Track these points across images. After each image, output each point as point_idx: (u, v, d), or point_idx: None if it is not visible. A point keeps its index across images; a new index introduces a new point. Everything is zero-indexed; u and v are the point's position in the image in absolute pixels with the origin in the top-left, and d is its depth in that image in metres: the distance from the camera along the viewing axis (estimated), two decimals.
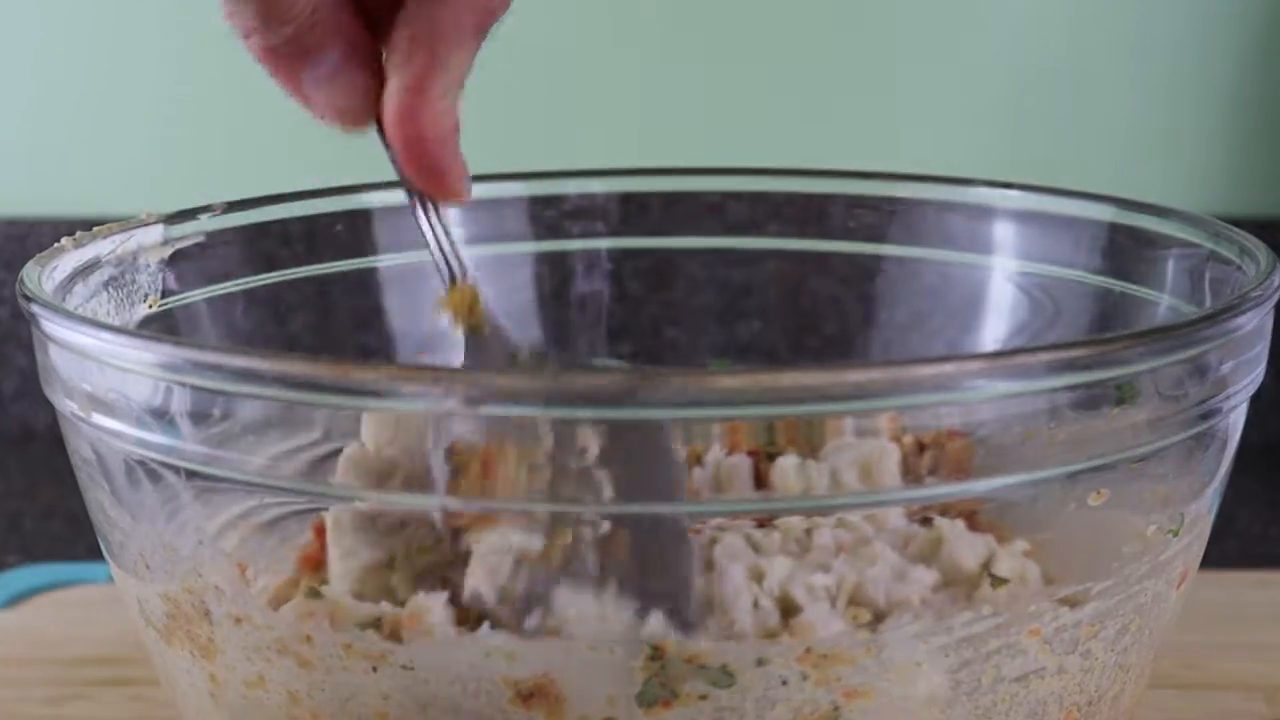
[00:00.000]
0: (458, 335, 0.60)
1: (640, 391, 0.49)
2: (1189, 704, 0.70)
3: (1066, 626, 0.55)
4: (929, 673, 0.53)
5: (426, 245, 0.58)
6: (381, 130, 0.55)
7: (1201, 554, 0.60)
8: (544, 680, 0.52)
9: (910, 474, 0.57)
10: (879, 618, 0.55)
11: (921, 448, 0.59)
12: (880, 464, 0.56)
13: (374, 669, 0.53)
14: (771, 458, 0.59)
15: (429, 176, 0.55)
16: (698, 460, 0.61)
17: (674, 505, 0.58)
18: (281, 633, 0.54)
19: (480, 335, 0.60)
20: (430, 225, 0.57)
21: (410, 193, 0.57)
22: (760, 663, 0.52)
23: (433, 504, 0.55)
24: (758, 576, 0.56)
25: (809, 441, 0.55)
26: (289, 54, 0.52)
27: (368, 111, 0.54)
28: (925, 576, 0.56)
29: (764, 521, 0.59)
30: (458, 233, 0.74)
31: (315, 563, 0.59)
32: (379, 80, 0.54)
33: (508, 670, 0.52)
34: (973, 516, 0.60)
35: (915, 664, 0.53)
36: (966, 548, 0.57)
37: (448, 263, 0.59)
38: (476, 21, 0.54)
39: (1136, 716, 0.61)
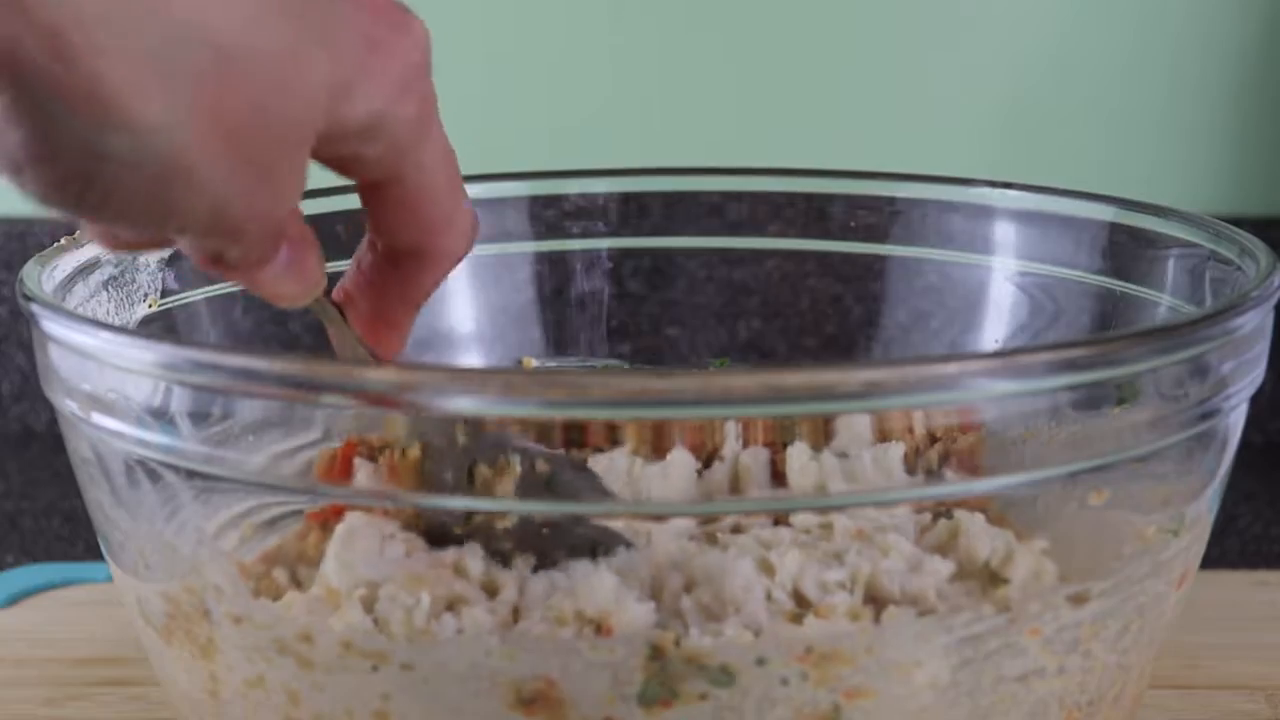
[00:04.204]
0: None
1: (656, 391, 0.50)
2: (1189, 704, 0.70)
3: (1067, 626, 0.55)
4: (929, 672, 0.53)
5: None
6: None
7: (1202, 554, 0.60)
8: (544, 681, 0.52)
9: (916, 468, 0.57)
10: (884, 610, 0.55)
11: (933, 439, 0.59)
12: (884, 460, 0.56)
13: (374, 669, 0.53)
14: (786, 445, 0.59)
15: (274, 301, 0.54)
16: (715, 454, 0.61)
17: (691, 507, 0.58)
18: (281, 632, 0.54)
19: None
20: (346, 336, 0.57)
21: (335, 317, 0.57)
22: (760, 662, 0.52)
23: (435, 503, 0.55)
24: (768, 570, 0.56)
25: (817, 436, 0.55)
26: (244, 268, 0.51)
27: (317, 289, 0.54)
28: (941, 568, 0.56)
29: (780, 518, 0.59)
30: None
31: (325, 518, 0.59)
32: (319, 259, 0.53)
33: (508, 670, 0.52)
34: (990, 511, 0.60)
35: (915, 663, 0.53)
36: (985, 541, 0.57)
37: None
38: (446, 272, 0.56)
39: (1137, 716, 0.61)
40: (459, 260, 0.55)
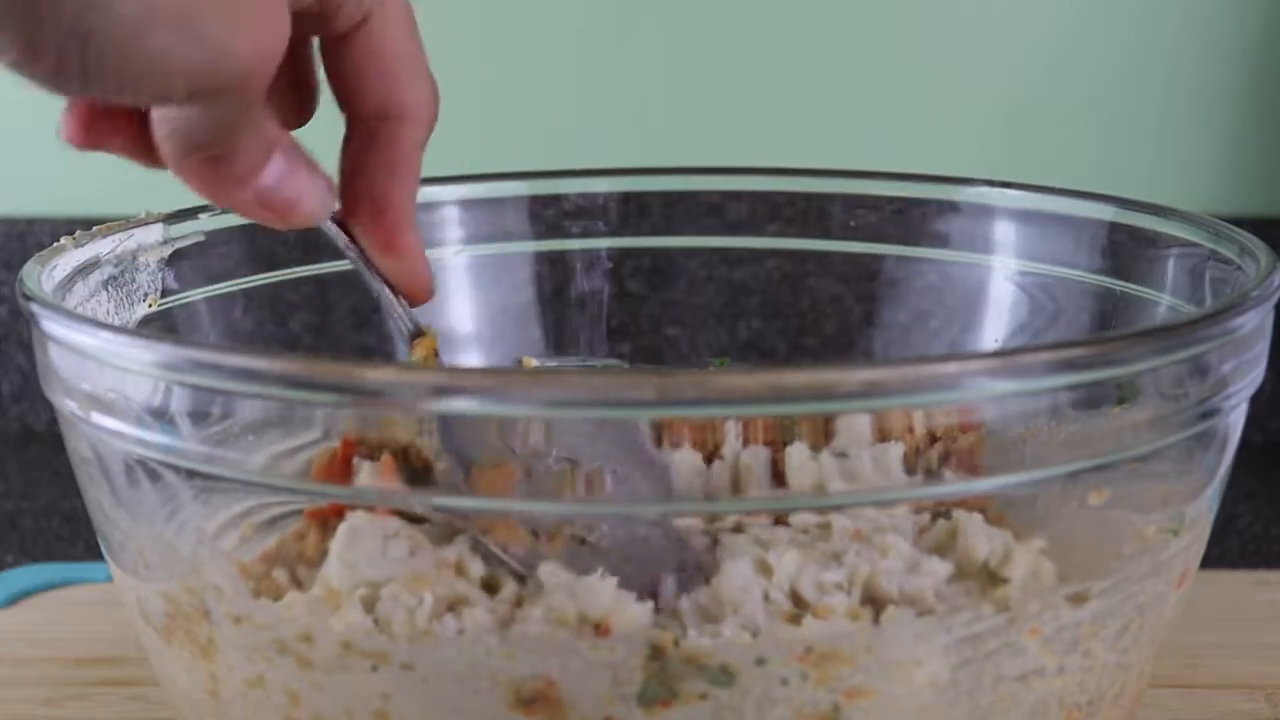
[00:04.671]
0: None
1: (659, 390, 0.50)
2: (1189, 703, 0.70)
3: (1067, 626, 0.55)
4: (929, 672, 0.53)
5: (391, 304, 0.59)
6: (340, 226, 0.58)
7: (1202, 553, 0.60)
8: (544, 681, 0.52)
9: (916, 468, 0.57)
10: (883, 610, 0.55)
11: (933, 439, 0.59)
12: (884, 460, 0.56)
13: (374, 669, 0.53)
14: (786, 445, 0.59)
15: (418, 292, 0.58)
16: (715, 453, 0.61)
17: (690, 505, 0.58)
18: (281, 632, 0.54)
19: None
20: (389, 293, 0.59)
21: (371, 275, 0.59)
22: (760, 662, 0.52)
23: (434, 502, 0.55)
24: (766, 571, 0.56)
25: (817, 436, 0.55)
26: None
27: (320, 205, 0.55)
28: (939, 568, 0.56)
29: (780, 518, 0.59)
30: (458, 232, 0.75)
31: (324, 517, 0.59)
32: (315, 171, 0.55)
33: (508, 670, 0.52)
34: (988, 510, 0.60)
35: (915, 663, 0.53)
36: (983, 541, 0.57)
37: (410, 320, 0.60)
38: (423, 138, 0.57)
39: (1137, 716, 0.61)
40: (430, 125, 0.56)
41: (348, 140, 0.57)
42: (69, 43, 0.45)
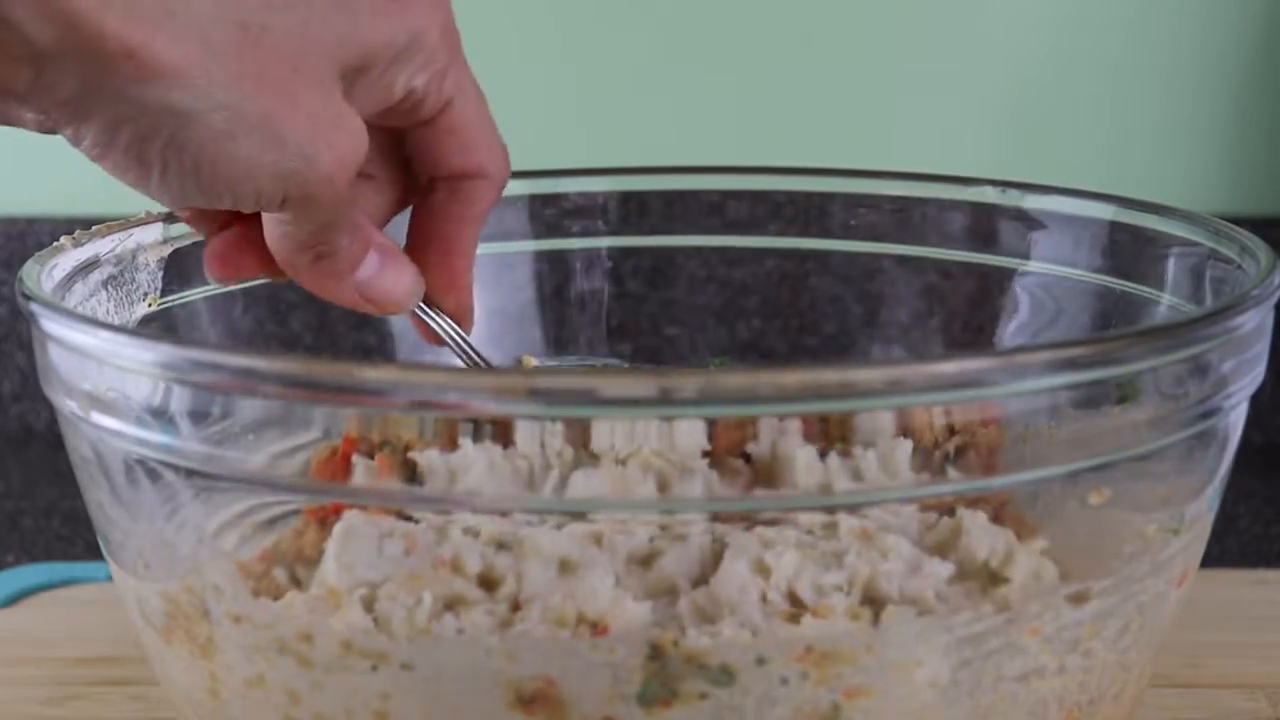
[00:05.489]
0: None
1: (667, 390, 0.50)
2: (1189, 703, 0.70)
3: (1067, 626, 0.55)
4: (929, 671, 0.53)
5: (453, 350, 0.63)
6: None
7: (1202, 553, 0.60)
8: (544, 681, 0.52)
9: (923, 468, 0.57)
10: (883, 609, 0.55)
11: (951, 431, 0.59)
12: (890, 458, 0.56)
13: (374, 669, 0.53)
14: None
15: (465, 315, 0.63)
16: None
17: (692, 506, 0.58)
18: (281, 631, 0.54)
19: None
20: (453, 337, 0.63)
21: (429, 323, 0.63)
22: (760, 662, 0.52)
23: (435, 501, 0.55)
24: (764, 572, 0.55)
25: (819, 437, 0.55)
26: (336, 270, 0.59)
27: (417, 291, 0.61)
28: (940, 569, 0.56)
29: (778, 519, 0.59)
30: None
31: (324, 515, 0.59)
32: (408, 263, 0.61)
33: (508, 670, 0.52)
34: (999, 509, 0.60)
35: (916, 663, 0.53)
36: (985, 540, 0.57)
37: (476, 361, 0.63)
38: (497, 195, 0.62)
39: (1137, 715, 0.61)
40: (505, 184, 0.62)
41: (427, 193, 0.61)
42: (170, 155, 0.51)
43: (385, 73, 0.55)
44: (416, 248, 0.61)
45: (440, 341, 0.63)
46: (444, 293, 0.62)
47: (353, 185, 0.56)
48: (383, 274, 0.59)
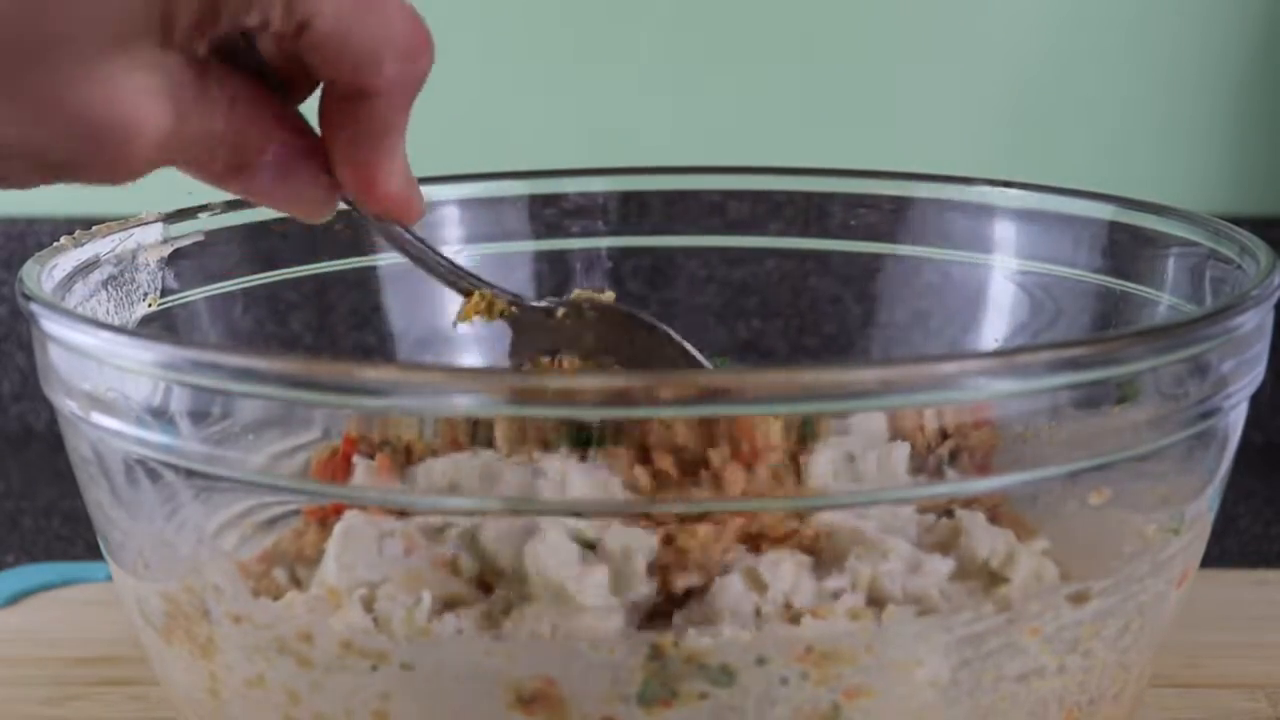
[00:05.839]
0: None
1: (666, 390, 0.50)
2: (1189, 703, 0.70)
3: (1067, 626, 0.55)
4: (929, 672, 0.53)
5: (430, 269, 0.61)
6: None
7: (1202, 553, 0.60)
8: (544, 681, 0.52)
9: (920, 468, 0.57)
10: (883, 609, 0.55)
11: (944, 435, 0.59)
12: (888, 460, 0.56)
13: (374, 669, 0.53)
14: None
15: (402, 216, 0.57)
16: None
17: (693, 506, 0.58)
18: (281, 631, 0.54)
19: (514, 318, 0.63)
20: (424, 251, 0.60)
21: (390, 240, 0.60)
22: (760, 662, 0.52)
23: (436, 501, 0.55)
24: (759, 587, 0.55)
25: (807, 438, 0.55)
26: (233, 172, 0.54)
27: (328, 202, 0.56)
28: (941, 566, 0.56)
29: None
30: (458, 231, 0.75)
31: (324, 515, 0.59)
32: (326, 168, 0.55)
33: (508, 670, 0.52)
34: (995, 510, 0.60)
35: (916, 663, 0.53)
36: (985, 540, 0.57)
37: (459, 277, 0.61)
38: (406, 100, 0.54)
39: (1137, 715, 0.61)
40: (420, 81, 0.53)
41: (327, 104, 0.55)
42: None
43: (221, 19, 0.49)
44: (339, 160, 0.55)
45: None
46: (366, 195, 0.55)
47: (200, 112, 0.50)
48: (276, 185, 0.54)
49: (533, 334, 0.64)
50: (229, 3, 0.49)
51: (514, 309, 0.63)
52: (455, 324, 0.64)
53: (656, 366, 0.63)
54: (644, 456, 0.54)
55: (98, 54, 0.48)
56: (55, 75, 0.48)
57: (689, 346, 0.63)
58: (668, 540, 0.55)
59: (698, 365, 0.63)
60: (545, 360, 0.65)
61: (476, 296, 0.63)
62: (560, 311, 0.64)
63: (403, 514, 0.58)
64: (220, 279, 0.69)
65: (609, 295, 0.68)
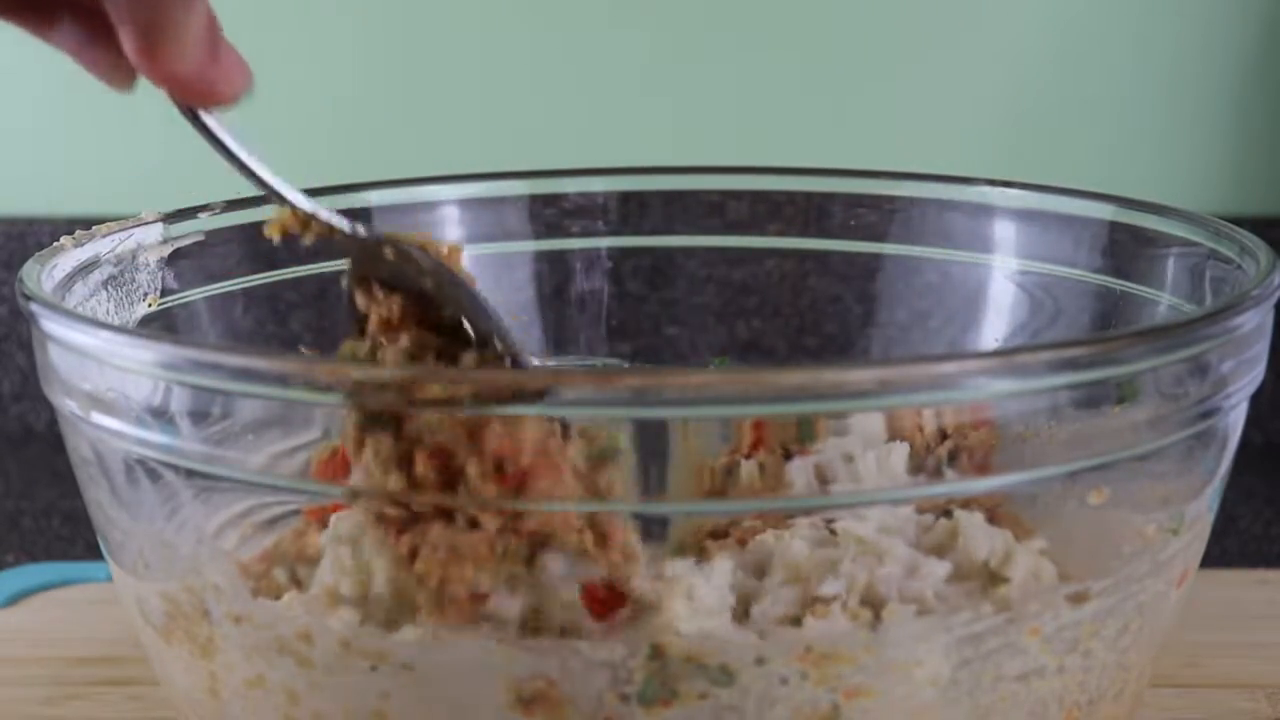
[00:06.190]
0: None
1: (666, 390, 0.50)
2: (1189, 703, 0.70)
3: (1067, 625, 0.55)
4: (929, 672, 0.53)
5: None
6: None
7: (1202, 553, 0.60)
8: (544, 681, 0.52)
9: (919, 469, 0.57)
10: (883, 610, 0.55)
11: (935, 440, 0.59)
12: (887, 461, 0.56)
13: (373, 668, 0.53)
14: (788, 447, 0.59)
15: (205, 98, 0.53)
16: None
17: (693, 507, 0.58)
18: (281, 631, 0.54)
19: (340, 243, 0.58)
20: (224, 139, 0.55)
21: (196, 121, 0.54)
22: (760, 662, 0.52)
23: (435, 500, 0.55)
24: (745, 601, 0.55)
25: (803, 439, 0.55)
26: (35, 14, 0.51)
27: (130, 74, 0.52)
28: (937, 569, 0.56)
29: (781, 521, 0.59)
30: (459, 231, 0.75)
31: (323, 515, 0.59)
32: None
33: (508, 670, 0.52)
34: (994, 510, 0.60)
35: (915, 663, 0.53)
36: (983, 541, 0.57)
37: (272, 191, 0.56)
38: None
39: (1137, 715, 0.61)
40: None
41: None
42: None
43: None
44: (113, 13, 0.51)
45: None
46: (150, 63, 0.51)
47: None
48: (86, 49, 0.51)
49: (370, 263, 0.58)
50: None
51: (332, 233, 0.58)
52: (267, 234, 0.58)
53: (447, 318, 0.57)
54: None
55: None
56: None
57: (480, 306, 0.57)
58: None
59: (482, 317, 0.57)
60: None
61: (289, 213, 0.58)
62: (380, 245, 0.58)
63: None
64: (220, 279, 0.69)
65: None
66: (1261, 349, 0.57)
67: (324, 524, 0.59)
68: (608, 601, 0.53)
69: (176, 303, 0.68)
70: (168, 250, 0.67)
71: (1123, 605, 0.56)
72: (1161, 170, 1.06)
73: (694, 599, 0.54)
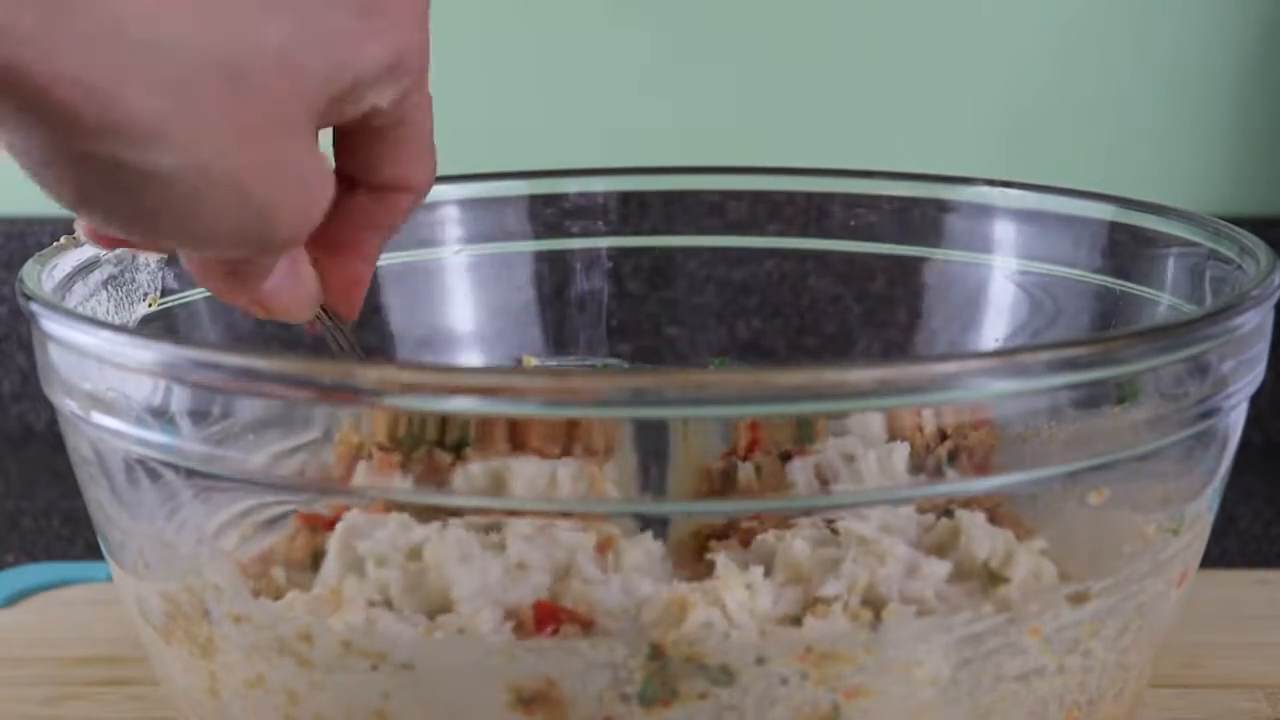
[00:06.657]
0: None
1: (666, 390, 0.50)
2: (1189, 702, 0.70)
3: (1067, 626, 0.54)
4: (929, 672, 0.53)
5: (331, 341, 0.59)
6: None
7: (1202, 553, 0.60)
8: (544, 681, 0.52)
9: (919, 469, 0.57)
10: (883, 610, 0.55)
11: (935, 440, 0.59)
12: (888, 461, 0.56)
13: (374, 668, 0.53)
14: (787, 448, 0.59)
15: (353, 311, 0.58)
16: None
17: (693, 507, 0.58)
18: (281, 631, 0.54)
19: None
20: (335, 334, 0.59)
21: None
22: (760, 662, 0.52)
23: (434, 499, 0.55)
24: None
25: (803, 439, 0.55)
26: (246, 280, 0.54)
27: (317, 301, 0.56)
28: (938, 569, 0.56)
29: (783, 521, 0.59)
30: (459, 231, 0.75)
31: (315, 522, 0.59)
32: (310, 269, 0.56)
33: (508, 670, 0.52)
34: (994, 510, 0.60)
35: (915, 663, 0.53)
36: (984, 541, 0.57)
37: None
38: (400, 225, 0.56)
39: (1137, 715, 0.61)
40: (427, 194, 0.56)
41: (346, 194, 0.55)
42: (121, 204, 0.46)
43: (362, 96, 0.50)
44: (323, 247, 0.56)
45: (318, 332, 0.58)
46: (341, 297, 0.57)
47: None
48: (286, 284, 0.54)
49: None
50: (382, 86, 0.50)
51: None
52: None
53: None
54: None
55: (308, 126, 0.48)
56: (294, 142, 0.48)
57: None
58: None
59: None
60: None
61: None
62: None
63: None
64: (219, 296, 0.69)
65: None
66: (1261, 349, 0.57)
67: (314, 529, 0.59)
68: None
69: (176, 303, 0.68)
70: None
71: (1123, 605, 0.56)
72: (1161, 170, 1.06)
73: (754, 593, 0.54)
